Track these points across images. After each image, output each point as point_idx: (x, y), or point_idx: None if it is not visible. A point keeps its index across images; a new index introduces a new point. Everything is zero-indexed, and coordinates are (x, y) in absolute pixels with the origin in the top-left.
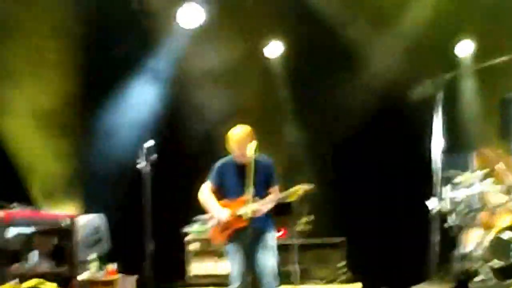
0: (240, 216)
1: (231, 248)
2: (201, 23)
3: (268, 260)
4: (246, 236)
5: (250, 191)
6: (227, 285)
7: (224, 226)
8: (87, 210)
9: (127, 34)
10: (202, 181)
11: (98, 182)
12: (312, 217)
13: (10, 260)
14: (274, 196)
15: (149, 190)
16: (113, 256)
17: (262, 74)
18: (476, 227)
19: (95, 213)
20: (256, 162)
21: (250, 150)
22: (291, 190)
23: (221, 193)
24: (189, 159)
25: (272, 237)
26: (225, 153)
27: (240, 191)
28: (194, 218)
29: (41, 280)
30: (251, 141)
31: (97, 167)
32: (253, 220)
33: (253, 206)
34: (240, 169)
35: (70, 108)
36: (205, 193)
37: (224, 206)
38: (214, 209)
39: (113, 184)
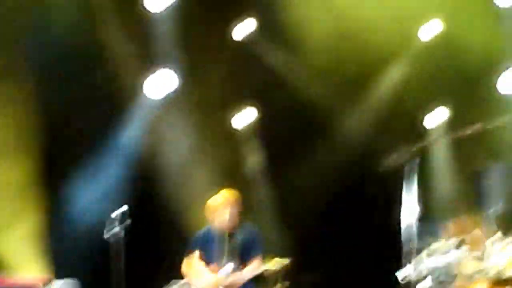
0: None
1: None
2: (169, 93)
3: None
4: None
5: (223, 262)
6: None
7: None
8: (59, 276)
9: (93, 106)
10: (176, 246)
11: (70, 248)
12: (286, 284)
13: None
14: (251, 270)
15: (122, 255)
16: None
17: (234, 141)
18: None
19: (68, 279)
20: (238, 230)
21: (229, 217)
22: (267, 265)
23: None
24: (163, 225)
25: None
26: (202, 220)
27: (220, 261)
28: (170, 283)
29: None
30: (236, 207)
31: (69, 233)
32: None
33: (230, 278)
34: (224, 237)
35: (39, 178)
36: (191, 261)
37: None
38: (200, 275)
39: (85, 250)
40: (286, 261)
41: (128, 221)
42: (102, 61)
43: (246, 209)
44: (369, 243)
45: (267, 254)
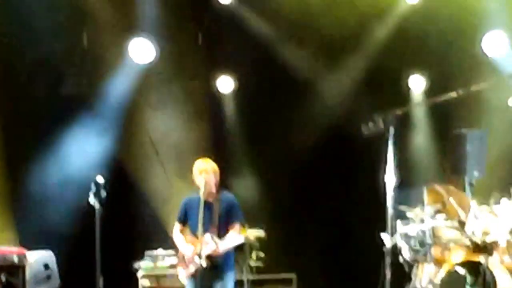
0: (200, 255)
1: (189, 285)
2: (152, 59)
3: None
4: (203, 275)
5: (201, 230)
6: None
7: (187, 262)
8: (36, 246)
9: (76, 71)
10: (154, 217)
11: (47, 218)
12: (262, 254)
13: None
14: (229, 240)
15: (99, 225)
16: None
17: (213, 109)
18: (428, 262)
19: (44, 249)
20: (217, 199)
21: (204, 186)
22: (244, 235)
23: (188, 229)
24: (140, 195)
25: (230, 277)
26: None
27: (204, 228)
28: (145, 254)
29: None
30: (211, 176)
31: (46, 203)
32: (211, 260)
33: (210, 247)
34: (204, 205)
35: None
36: (174, 231)
37: (191, 242)
38: (180, 246)
39: (62, 220)
40: (262, 232)
41: (104, 193)
42: (87, 24)
43: (227, 177)
44: (352, 208)
45: (247, 224)
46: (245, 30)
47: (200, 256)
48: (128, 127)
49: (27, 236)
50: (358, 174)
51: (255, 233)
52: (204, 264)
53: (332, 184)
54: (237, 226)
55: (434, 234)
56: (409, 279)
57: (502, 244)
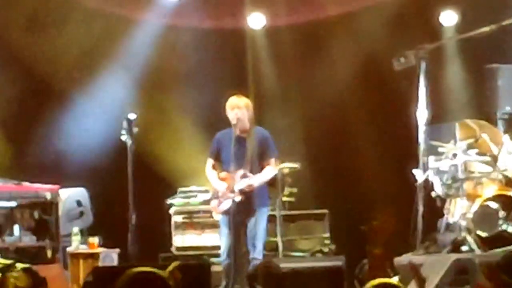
0: (234, 191)
1: (223, 221)
2: None
3: (257, 237)
4: (237, 211)
5: (233, 167)
6: (211, 256)
7: (220, 198)
8: (69, 183)
9: None
10: (186, 153)
11: (79, 155)
12: (295, 189)
13: None
14: (263, 175)
15: (131, 162)
16: (96, 229)
17: (244, 46)
18: (461, 197)
19: (77, 186)
20: (250, 135)
21: (236, 121)
22: (278, 168)
23: (221, 164)
24: (172, 131)
25: (264, 213)
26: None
27: (237, 164)
28: (178, 190)
29: None
30: (244, 111)
31: (78, 140)
32: (245, 195)
33: (244, 182)
34: (237, 141)
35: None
36: (207, 167)
37: (224, 178)
38: (213, 182)
39: (95, 157)
40: (294, 165)
41: (136, 129)
42: None
43: (259, 113)
44: (384, 144)
45: (281, 159)
46: None
47: (233, 192)
48: (158, 65)
49: (59, 173)
50: (390, 109)
51: (289, 165)
52: (238, 200)
53: (364, 120)
54: (272, 161)
55: (466, 169)
56: (442, 214)
57: None
